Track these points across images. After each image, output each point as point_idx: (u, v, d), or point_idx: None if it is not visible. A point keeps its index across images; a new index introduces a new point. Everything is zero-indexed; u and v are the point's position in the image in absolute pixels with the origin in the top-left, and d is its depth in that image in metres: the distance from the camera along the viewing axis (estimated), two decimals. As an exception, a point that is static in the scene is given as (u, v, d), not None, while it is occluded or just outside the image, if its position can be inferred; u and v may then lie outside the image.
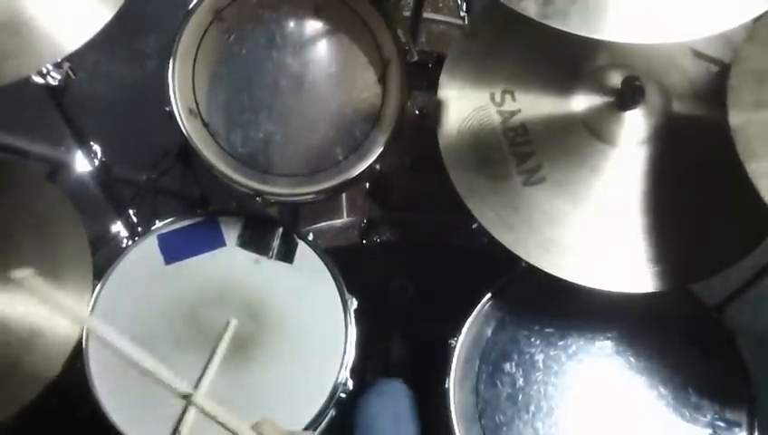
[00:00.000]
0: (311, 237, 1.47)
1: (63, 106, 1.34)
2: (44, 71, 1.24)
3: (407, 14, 1.67)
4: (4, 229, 1.40)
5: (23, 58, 1.07)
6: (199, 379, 1.32)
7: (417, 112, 1.61)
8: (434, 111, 1.39)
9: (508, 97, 1.37)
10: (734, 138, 1.07)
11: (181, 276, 1.43)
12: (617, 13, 0.96)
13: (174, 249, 1.45)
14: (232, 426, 1.12)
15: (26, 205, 1.42)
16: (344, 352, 1.37)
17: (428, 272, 1.72)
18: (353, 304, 1.42)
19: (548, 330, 1.41)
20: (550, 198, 1.29)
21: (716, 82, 1.33)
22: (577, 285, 1.25)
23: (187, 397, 1.19)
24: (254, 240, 1.46)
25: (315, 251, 1.46)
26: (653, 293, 1.25)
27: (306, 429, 1.31)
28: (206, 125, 1.44)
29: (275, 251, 1.45)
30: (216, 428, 1.14)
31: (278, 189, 1.42)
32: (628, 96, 1.29)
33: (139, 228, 1.51)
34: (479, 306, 1.42)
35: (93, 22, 1.09)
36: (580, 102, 1.34)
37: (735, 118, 1.09)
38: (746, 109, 1.09)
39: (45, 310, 1.33)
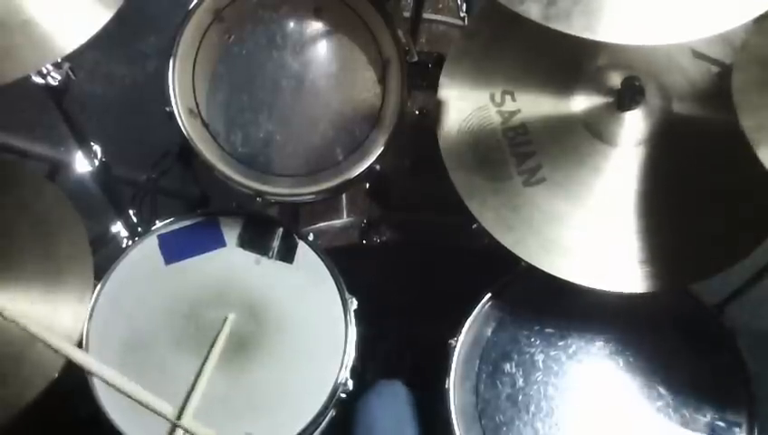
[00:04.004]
0: (311, 237, 1.47)
1: (63, 106, 1.34)
2: (44, 71, 1.24)
3: (407, 14, 1.67)
4: (4, 229, 1.40)
5: (22, 58, 1.07)
6: (192, 388, 1.33)
7: (417, 112, 1.61)
8: (434, 111, 1.39)
9: (508, 97, 1.37)
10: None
11: (181, 276, 1.43)
12: (619, 14, 0.95)
13: (174, 249, 1.45)
14: None
15: (26, 205, 1.42)
16: (344, 353, 1.37)
17: (428, 272, 1.72)
18: (353, 304, 1.42)
19: (548, 330, 1.41)
20: (550, 199, 1.29)
21: (716, 82, 1.33)
22: (577, 285, 1.25)
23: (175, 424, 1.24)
24: (254, 240, 1.46)
25: (315, 251, 1.46)
26: (653, 293, 1.25)
27: (306, 428, 1.31)
28: (206, 125, 1.44)
29: (275, 251, 1.45)
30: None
31: (278, 189, 1.42)
32: (627, 96, 1.29)
33: (139, 228, 1.51)
34: (479, 306, 1.42)
35: (92, 22, 1.09)
36: (580, 102, 1.34)
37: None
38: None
39: (46, 309, 1.34)
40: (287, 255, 1.46)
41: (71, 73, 1.28)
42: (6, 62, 1.06)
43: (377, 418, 1.47)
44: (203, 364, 1.34)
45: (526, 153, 1.32)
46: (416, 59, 1.46)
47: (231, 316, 1.38)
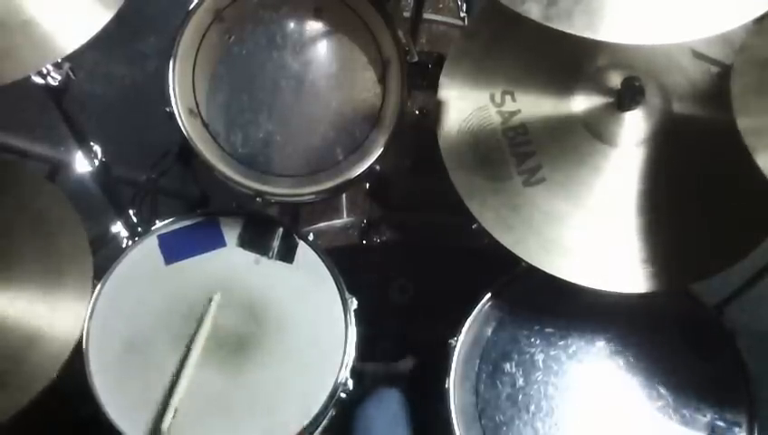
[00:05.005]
0: (311, 237, 1.47)
1: (63, 106, 1.34)
2: (44, 71, 1.24)
3: (407, 14, 1.67)
4: (4, 229, 1.40)
5: (22, 58, 1.07)
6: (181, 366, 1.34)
7: (417, 112, 1.62)
8: (434, 111, 1.39)
9: (508, 97, 1.37)
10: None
11: (181, 276, 1.43)
12: (619, 14, 0.96)
13: (174, 249, 1.45)
14: None
15: (26, 205, 1.43)
16: (344, 353, 1.37)
17: (428, 272, 1.72)
18: (353, 304, 1.42)
19: (548, 330, 1.41)
20: (550, 199, 1.29)
21: (716, 82, 1.33)
22: (577, 285, 1.25)
23: None
24: (254, 240, 1.46)
25: (315, 251, 1.46)
26: (653, 293, 1.25)
27: (306, 428, 1.31)
28: (206, 125, 1.44)
29: (275, 251, 1.45)
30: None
31: (278, 190, 1.42)
32: (628, 96, 1.29)
33: (139, 228, 1.51)
34: (479, 306, 1.42)
35: (93, 22, 1.09)
36: (580, 103, 1.34)
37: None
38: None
39: (45, 309, 1.34)
40: (287, 255, 1.45)
41: (71, 73, 1.28)
42: (6, 63, 1.06)
43: (373, 419, 1.48)
44: (187, 352, 1.35)
45: (526, 153, 1.32)
46: (416, 59, 1.46)
47: (216, 297, 1.38)
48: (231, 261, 1.45)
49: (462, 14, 1.80)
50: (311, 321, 1.40)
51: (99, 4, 1.10)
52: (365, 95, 1.47)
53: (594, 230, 1.28)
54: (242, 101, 1.46)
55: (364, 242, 1.71)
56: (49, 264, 1.38)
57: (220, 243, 1.46)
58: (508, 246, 1.27)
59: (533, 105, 1.35)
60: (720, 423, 1.33)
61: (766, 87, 1.10)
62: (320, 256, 1.45)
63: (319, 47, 1.49)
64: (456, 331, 1.40)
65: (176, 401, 1.30)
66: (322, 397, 1.33)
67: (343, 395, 1.36)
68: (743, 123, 1.07)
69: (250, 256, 1.45)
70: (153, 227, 1.47)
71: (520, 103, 1.36)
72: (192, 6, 1.42)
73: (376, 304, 1.46)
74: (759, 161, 1.03)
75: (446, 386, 1.35)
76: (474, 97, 1.37)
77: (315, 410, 1.32)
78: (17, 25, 1.06)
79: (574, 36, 0.95)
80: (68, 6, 1.09)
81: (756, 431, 1.32)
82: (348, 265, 1.45)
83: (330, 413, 1.36)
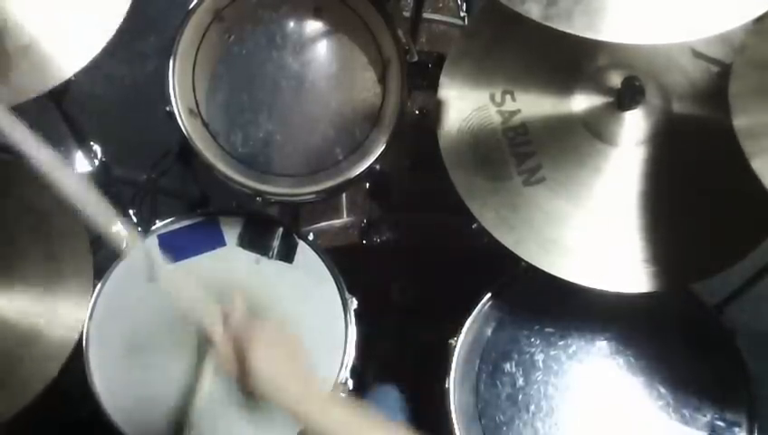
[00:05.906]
0: (311, 237, 1.47)
1: (63, 106, 1.34)
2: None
3: (407, 14, 1.67)
4: (5, 229, 1.40)
5: (25, 81, 1.07)
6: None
7: (417, 112, 1.62)
8: (434, 111, 1.39)
9: (508, 97, 1.37)
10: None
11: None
12: (620, 14, 0.96)
13: (174, 249, 1.45)
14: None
15: (27, 205, 1.43)
16: (344, 353, 1.37)
17: (428, 272, 1.72)
18: (353, 304, 1.42)
19: (548, 330, 1.41)
20: (550, 199, 1.29)
21: (716, 82, 1.33)
22: (577, 285, 1.25)
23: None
24: (254, 240, 1.46)
25: (315, 251, 1.46)
26: (653, 293, 1.25)
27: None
28: (206, 125, 1.44)
29: (275, 251, 1.45)
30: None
31: (278, 189, 1.42)
32: (628, 96, 1.29)
33: (139, 228, 1.51)
34: (479, 306, 1.42)
35: (93, 44, 1.10)
36: (580, 102, 1.33)
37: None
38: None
39: (46, 309, 1.34)
40: (287, 255, 1.45)
41: (71, 74, 1.28)
42: (7, 88, 1.06)
43: None
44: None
45: (526, 153, 1.32)
46: (416, 59, 1.46)
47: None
48: (231, 261, 1.45)
49: (462, 14, 1.80)
50: (311, 321, 1.40)
51: (99, 25, 1.10)
52: (365, 95, 1.47)
53: (594, 230, 1.28)
54: (242, 101, 1.46)
55: (364, 242, 1.71)
56: (49, 264, 1.38)
57: (220, 243, 1.46)
58: (508, 246, 1.27)
59: (533, 105, 1.35)
60: (720, 423, 1.33)
61: (765, 88, 1.10)
62: (320, 255, 1.45)
63: (319, 47, 1.49)
64: (455, 331, 1.40)
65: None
66: (322, 397, 1.33)
67: (343, 395, 1.36)
68: (740, 126, 1.07)
69: (250, 256, 1.45)
70: (153, 227, 1.47)
71: (520, 103, 1.36)
72: (192, 6, 1.41)
73: (376, 304, 1.46)
74: (755, 165, 1.04)
75: (446, 386, 1.35)
76: (474, 97, 1.37)
77: (315, 409, 1.32)
78: (17, 49, 1.05)
79: (574, 36, 0.95)
80: (68, 31, 1.09)
81: (756, 431, 1.32)
82: (348, 265, 1.45)
83: (330, 413, 1.36)
